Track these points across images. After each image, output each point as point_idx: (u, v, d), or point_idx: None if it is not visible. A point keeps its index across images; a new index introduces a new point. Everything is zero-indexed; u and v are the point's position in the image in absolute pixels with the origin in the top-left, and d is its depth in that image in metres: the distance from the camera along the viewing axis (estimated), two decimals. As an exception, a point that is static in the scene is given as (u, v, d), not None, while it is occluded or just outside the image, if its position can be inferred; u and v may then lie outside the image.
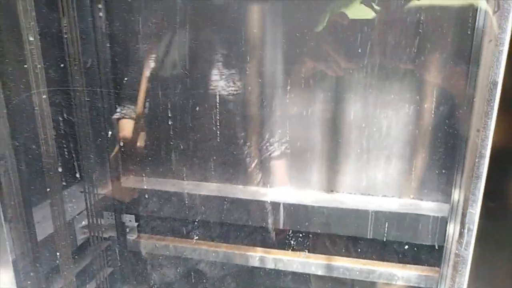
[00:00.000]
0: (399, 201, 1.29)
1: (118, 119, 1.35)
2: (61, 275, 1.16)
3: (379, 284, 1.34)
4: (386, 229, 1.27)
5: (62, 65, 1.15)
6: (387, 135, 1.24)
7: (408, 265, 1.29)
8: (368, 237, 1.29)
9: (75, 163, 1.25)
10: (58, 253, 1.13)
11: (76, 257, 1.29)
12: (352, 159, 1.28)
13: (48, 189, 1.08)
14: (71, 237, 1.24)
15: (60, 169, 1.10)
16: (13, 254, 1.00)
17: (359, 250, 1.34)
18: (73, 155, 1.24)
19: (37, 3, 0.93)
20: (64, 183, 1.17)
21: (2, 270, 0.81)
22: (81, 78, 1.17)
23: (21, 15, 0.88)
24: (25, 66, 0.91)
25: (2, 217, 0.94)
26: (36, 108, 0.97)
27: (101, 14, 1.23)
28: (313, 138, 1.28)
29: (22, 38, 0.91)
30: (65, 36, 1.08)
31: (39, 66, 0.91)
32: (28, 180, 1.07)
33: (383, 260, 1.31)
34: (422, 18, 1.11)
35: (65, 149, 1.23)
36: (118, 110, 1.35)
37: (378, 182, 1.29)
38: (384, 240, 1.28)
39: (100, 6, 1.22)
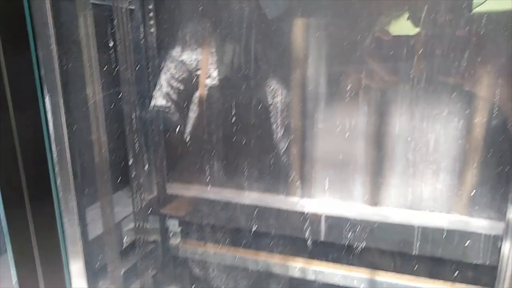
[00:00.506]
0: (448, 217, 1.24)
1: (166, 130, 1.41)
2: (108, 275, 1.21)
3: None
4: (433, 245, 1.22)
5: (115, 74, 1.21)
6: (435, 149, 1.20)
7: (457, 284, 1.23)
8: (414, 253, 1.24)
9: (125, 170, 1.31)
10: (106, 253, 1.19)
11: (122, 258, 1.34)
12: (398, 173, 1.25)
13: (99, 192, 1.14)
14: (119, 239, 1.29)
15: (111, 174, 1.15)
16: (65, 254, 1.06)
17: (404, 266, 1.29)
18: (123, 162, 1.30)
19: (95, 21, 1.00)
20: (113, 188, 1.23)
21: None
22: (131, 88, 1.23)
23: (81, 29, 0.95)
24: (84, 74, 0.98)
25: (58, 217, 0.99)
26: (91, 116, 1.03)
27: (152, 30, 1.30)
28: (358, 150, 1.26)
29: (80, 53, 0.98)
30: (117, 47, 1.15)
31: (95, 73, 0.98)
32: (81, 183, 1.14)
33: (430, 277, 1.26)
34: (471, 29, 1.07)
35: (116, 156, 1.29)
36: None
37: (425, 197, 1.25)
38: (431, 257, 1.23)
39: (151, 22, 1.29)
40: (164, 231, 1.45)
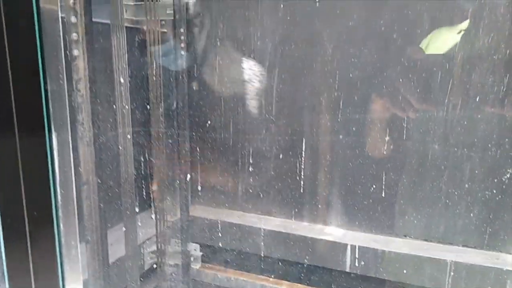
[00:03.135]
0: (482, 253, 1.17)
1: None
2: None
3: None
4: (466, 282, 1.15)
5: (144, 104, 1.23)
6: (470, 179, 1.14)
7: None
8: (446, 289, 1.17)
9: (149, 191, 1.31)
10: (127, 276, 1.18)
11: (143, 280, 1.32)
12: (429, 203, 1.19)
13: (122, 214, 1.14)
14: (140, 261, 1.28)
15: (135, 197, 1.15)
16: (85, 274, 1.05)
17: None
18: (147, 184, 1.30)
19: (130, 47, 1.01)
20: (137, 210, 1.22)
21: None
22: (160, 120, 1.24)
23: (114, 58, 0.97)
24: (114, 106, 0.99)
25: (78, 238, 0.98)
26: (119, 143, 1.04)
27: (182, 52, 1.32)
28: (386, 178, 1.22)
29: (114, 80, 0.99)
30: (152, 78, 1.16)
31: (126, 107, 0.98)
32: (105, 205, 1.14)
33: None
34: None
35: (139, 178, 1.29)
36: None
37: (458, 230, 1.18)
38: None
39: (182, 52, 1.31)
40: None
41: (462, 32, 1.05)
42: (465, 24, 1.05)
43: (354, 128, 1.22)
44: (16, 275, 0.68)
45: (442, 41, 1.08)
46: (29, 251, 0.68)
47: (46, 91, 0.64)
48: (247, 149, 1.36)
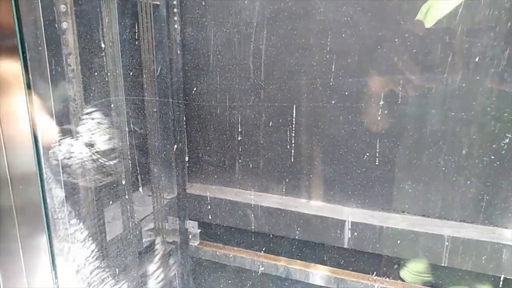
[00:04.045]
0: (479, 227, 1.17)
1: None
2: (126, 275, 1.19)
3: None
4: (463, 257, 1.16)
5: (132, 73, 1.19)
6: (468, 155, 1.13)
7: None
8: (443, 264, 1.18)
9: (144, 168, 1.30)
10: (125, 253, 1.17)
11: (141, 258, 1.33)
12: (427, 179, 1.19)
13: (119, 192, 1.13)
14: (138, 239, 1.28)
15: (131, 173, 1.14)
16: (84, 252, 1.05)
17: (432, 277, 1.23)
18: (143, 161, 1.28)
19: (119, 15, 0.97)
20: (133, 187, 1.21)
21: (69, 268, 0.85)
22: (153, 88, 1.21)
23: (104, 25, 0.93)
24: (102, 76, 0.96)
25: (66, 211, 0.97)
26: (113, 113, 1.02)
27: (176, 26, 1.27)
28: (385, 154, 1.21)
29: (102, 48, 0.96)
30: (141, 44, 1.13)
31: (117, 75, 0.95)
32: (101, 181, 1.12)
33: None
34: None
35: (136, 154, 1.27)
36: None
37: (456, 206, 1.18)
38: (461, 269, 1.17)
39: (175, 18, 1.27)
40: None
41: None
42: None
43: (347, 93, 1.20)
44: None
45: (439, 8, 1.05)
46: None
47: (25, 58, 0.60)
48: (243, 123, 1.34)
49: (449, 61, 1.08)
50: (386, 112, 1.17)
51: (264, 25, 1.23)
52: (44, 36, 0.59)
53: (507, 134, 1.08)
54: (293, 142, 1.29)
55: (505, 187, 1.12)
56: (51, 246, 0.72)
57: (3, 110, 0.60)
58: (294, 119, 1.27)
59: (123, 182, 1.11)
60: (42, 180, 0.66)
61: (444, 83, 1.10)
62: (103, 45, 0.98)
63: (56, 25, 0.78)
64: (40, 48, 0.60)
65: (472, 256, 1.14)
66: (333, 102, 1.22)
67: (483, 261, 1.13)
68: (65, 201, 0.76)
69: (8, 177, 0.61)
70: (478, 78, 1.06)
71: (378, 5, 1.11)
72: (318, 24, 1.18)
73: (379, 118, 1.18)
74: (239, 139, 1.35)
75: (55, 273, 0.74)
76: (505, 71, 1.04)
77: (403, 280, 1.26)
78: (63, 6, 0.80)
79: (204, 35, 1.30)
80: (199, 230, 1.43)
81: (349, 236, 1.26)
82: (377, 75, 1.15)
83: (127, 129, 1.11)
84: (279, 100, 1.27)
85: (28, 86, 0.61)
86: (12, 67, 0.59)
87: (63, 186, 0.74)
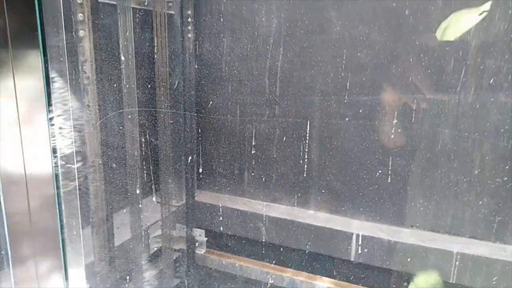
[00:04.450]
0: (489, 245, 1.16)
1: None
2: (132, 280, 1.20)
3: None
4: (472, 274, 1.14)
5: (149, 86, 1.21)
6: (480, 170, 1.12)
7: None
8: (451, 281, 1.16)
9: (154, 176, 1.31)
10: (132, 259, 1.18)
11: (148, 264, 1.33)
12: (437, 194, 1.18)
13: (128, 199, 1.14)
14: (145, 245, 1.28)
15: (140, 180, 1.15)
16: (91, 257, 1.05)
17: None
18: (152, 169, 1.29)
19: (135, 25, 0.99)
20: (143, 194, 1.22)
21: (76, 272, 0.85)
22: (166, 100, 1.22)
23: (120, 35, 0.95)
24: (117, 85, 0.97)
25: (80, 222, 0.98)
26: (124, 122, 1.03)
27: (190, 35, 1.29)
28: (397, 172, 1.20)
29: (118, 58, 0.98)
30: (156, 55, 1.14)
31: (131, 85, 0.97)
32: (111, 188, 1.14)
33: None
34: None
35: (145, 163, 1.28)
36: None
37: (466, 221, 1.17)
38: (469, 286, 1.15)
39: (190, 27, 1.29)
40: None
41: (484, 14, 1.02)
42: (487, 5, 1.01)
43: (361, 111, 1.20)
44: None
45: (461, 24, 1.05)
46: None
47: (46, 69, 0.62)
48: (255, 135, 1.35)
49: (462, 79, 1.07)
50: (399, 130, 1.17)
51: (280, 41, 1.24)
52: (65, 41, 0.61)
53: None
54: (306, 157, 1.30)
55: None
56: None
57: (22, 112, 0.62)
58: (307, 134, 1.28)
59: (133, 189, 1.12)
60: (57, 181, 0.68)
61: (457, 102, 1.10)
62: (120, 55, 1.00)
63: (74, 33, 0.80)
64: (60, 53, 0.61)
65: (482, 273, 1.13)
66: (347, 119, 1.22)
67: (493, 280, 1.12)
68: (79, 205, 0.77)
69: (25, 179, 0.63)
70: (492, 97, 1.06)
71: (394, 24, 1.12)
72: (333, 42, 1.19)
73: (392, 136, 1.18)
74: (252, 152, 1.36)
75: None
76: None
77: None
78: (80, 14, 0.82)
79: (221, 50, 1.32)
80: (206, 239, 1.43)
81: (357, 249, 1.25)
82: (391, 92, 1.16)
83: (140, 139, 1.12)
84: (293, 115, 1.28)
85: (48, 86, 0.63)
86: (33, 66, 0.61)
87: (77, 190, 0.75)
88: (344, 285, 1.29)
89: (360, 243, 1.24)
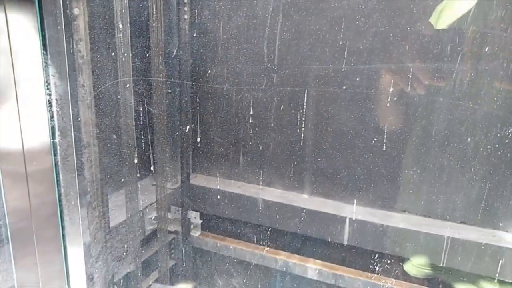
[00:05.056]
0: (479, 230, 1.18)
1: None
2: (128, 262, 1.21)
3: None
4: (462, 258, 1.16)
5: (147, 54, 1.20)
6: (472, 156, 1.13)
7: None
8: (441, 264, 1.19)
9: (150, 156, 1.31)
10: (128, 241, 1.19)
11: (143, 246, 1.35)
12: (430, 179, 1.19)
13: (123, 179, 1.14)
14: (141, 227, 1.30)
15: (136, 161, 1.15)
16: (87, 237, 1.06)
17: (434, 271, 1.24)
18: (149, 148, 1.29)
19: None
20: (138, 175, 1.23)
21: (74, 253, 0.86)
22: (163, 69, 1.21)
23: (115, 6, 0.94)
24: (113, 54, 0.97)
25: (79, 202, 0.99)
26: (119, 96, 1.03)
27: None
28: (387, 153, 1.22)
29: (114, 26, 0.96)
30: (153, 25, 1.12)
31: (126, 54, 0.96)
32: (106, 168, 1.14)
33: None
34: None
35: (142, 141, 1.29)
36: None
37: (458, 207, 1.19)
38: (459, 270, 1.17)
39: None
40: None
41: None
42: None
43: (355, 98, 1.21)
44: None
45: (454, 10, 1.05)
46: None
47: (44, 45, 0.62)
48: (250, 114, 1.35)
49: (458, 61, 1.08)
50: (394, 108, 1.17)
51: (279, 9, 1.23)
52: (63, 19, 0.61)
53: None
54: (303, 126, 1.29)
55: (508, 191, 1.12)
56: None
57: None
58: (305, 104, 1.28)
59: (128, 169, 1.13)
60: (56, 155, 0.69)
61: (452, 84, 1.10)
62: (115, 28, 0.98)
63: (68, 11, 0.79)
64: (58, 27, 0.61)
65: (471, 257, 1.15)
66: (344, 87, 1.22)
67: (483, 264, 1.14)
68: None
69: (24, 155, 0.63)
70: (486, 80, 1.06)
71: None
72: (332, 10, 1.18)
73: (387, 113, 1.18)
74: (250, 121, 1.36)
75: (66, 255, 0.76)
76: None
77: (404, 275, 1.26)
78: (75, -7, 0.81)
79: (219, 19, 1.31)
80: (201, 221, 1.45)
81: (350, 232, 1.27)
82: (388, 66, 1.15)
83: (134, 112, 1.12)
84: (291, 84, 1.27)
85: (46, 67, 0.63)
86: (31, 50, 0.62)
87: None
88: (336, 268, 1.31)
89: (351, 226, 1.26)
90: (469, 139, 1.12)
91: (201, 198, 1.43)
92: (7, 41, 0.59)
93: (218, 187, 1.41)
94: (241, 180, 1.43)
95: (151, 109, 1.24)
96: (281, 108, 1.31)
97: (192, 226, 1.44)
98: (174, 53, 1.28)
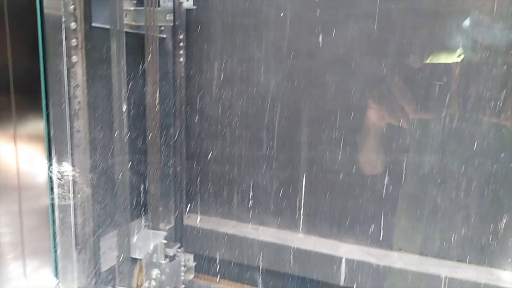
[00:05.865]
0: (477, 269, 1.17)
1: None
2: (118, 309, 1.17)
3: None
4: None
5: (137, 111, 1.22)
6: (466, 193, 1.14)
7: None
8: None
9: (142, 199, 1.29)
10: (119, 283, 1.15)
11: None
12: (425, 217, 1.19)
13: (116, 222, 1.12)
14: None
15: (129, 203, 1.13)
16: (77, 282, 1.03)
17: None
18: (141, 192, 1.28)
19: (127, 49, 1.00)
20: (130, 217, 1.20)
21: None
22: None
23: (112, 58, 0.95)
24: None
25: (74, 245, 0.97)
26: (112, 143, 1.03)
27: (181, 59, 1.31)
28: (382, 190, 1.22)
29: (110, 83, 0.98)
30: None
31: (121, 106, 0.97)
32: (99, 211, 1.12)
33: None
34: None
35: (135, 185, 1.27)
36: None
37: (453, 245, 1.18)
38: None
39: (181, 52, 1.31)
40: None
41: (462, 57, 1.06)
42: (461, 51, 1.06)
43: (349, 140, 1.22)
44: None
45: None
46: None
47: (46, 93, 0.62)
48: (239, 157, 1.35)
49: (447, 101, 1.10)
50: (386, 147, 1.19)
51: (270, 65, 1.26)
52: (65, 68, 0.62)
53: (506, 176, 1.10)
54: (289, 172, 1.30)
55: (503, 229, 1.12)
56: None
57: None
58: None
59: (121, 213, 1.10)
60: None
61: (442, 123, 1.12)
62: (112, 80, 1.00)
63: (67, 58, 0.80)
64: (59, 78, 0.62)
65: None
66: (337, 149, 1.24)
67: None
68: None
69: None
70: (476, 118, 1.09)
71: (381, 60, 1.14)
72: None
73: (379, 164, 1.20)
74: (234, 166, 1.36)
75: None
76: (501, 112, 1.07)
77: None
78: (74, 40, 0.82)
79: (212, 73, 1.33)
80: (195, 263, 1.41)
81: (346, 273, 1.25)
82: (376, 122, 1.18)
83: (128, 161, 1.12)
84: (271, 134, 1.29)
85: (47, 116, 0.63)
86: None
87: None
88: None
89: (347, 266, 1.24)
90: (462, 178, 1.13)
91: (194, 238, 1.41)
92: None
93: (212, 228, 1.39)
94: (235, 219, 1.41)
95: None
96: (277, 146, 1.32)
97: (185, 269, 1.40)
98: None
